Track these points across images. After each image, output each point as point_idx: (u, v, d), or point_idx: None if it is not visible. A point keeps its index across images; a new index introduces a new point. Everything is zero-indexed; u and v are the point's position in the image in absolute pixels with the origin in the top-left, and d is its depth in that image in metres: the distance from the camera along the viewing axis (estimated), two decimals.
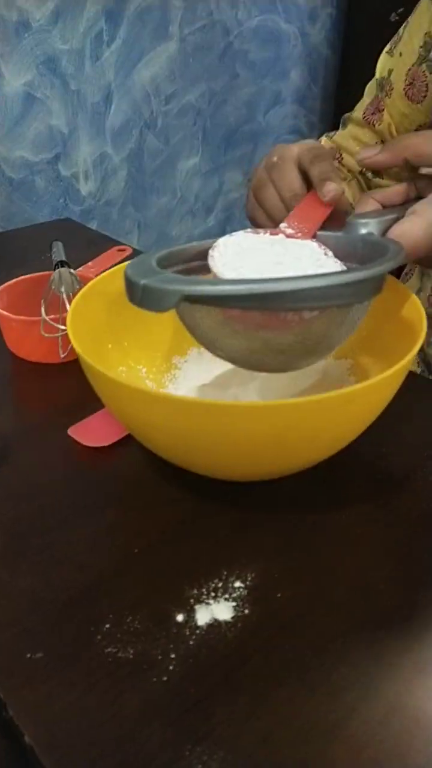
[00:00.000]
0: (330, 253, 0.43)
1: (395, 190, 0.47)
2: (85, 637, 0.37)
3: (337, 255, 0.44)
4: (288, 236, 0.46)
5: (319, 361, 0.43)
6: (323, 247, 0.44)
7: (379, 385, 0.38)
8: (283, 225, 0.46)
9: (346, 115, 0.74)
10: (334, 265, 0.42)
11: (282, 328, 0.37)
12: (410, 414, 0.55)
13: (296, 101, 1.64)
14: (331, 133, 0.76)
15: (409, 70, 0.66)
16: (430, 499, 0.46)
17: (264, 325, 0.38)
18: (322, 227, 0.47)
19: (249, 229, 0.47)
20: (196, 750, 0.32)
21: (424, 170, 0.49)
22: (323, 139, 0.76)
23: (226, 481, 0.47)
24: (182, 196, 1.54)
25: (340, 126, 0.75)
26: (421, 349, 0.73)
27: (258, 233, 0.46)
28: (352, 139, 0.72)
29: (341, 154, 0.73)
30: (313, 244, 0.44)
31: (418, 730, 0.33)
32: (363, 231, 0.42)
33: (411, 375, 0.64)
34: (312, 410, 0.37)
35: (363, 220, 0.43)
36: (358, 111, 0.73)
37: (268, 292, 0.35)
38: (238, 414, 0.37)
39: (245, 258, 0.42)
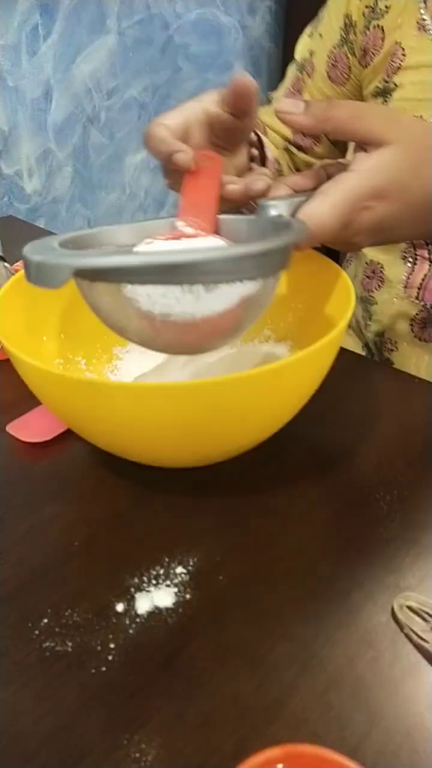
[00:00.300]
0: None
1: (306, 176, 0.47)
2: (22, 633, 0.36)
3: (250, 239, 0.43)
4: (190, 236, 0.44)
5: (232, 341, 0.42)
6: (229, 243, 0.43)
7: (307, 359, 0.38)
8: (180, 224, 0.45)
9: (270, 92, 0.75)
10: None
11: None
12: (351, 394, 0.56)
13: None
14: None
15: (331, 51, 0.67)
16: (366, 475, 0.47)
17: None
18: (226, 207, 0.46)
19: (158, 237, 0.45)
20: (134, 738, 0.31)
21: (342, 160, 0.49)
22: None
23: (167, 468, 0.46)
24: (132, 192, 1.52)
25: (266, 104, 0.75)
26: (362, 335, 0.74)
27: (161, 240, 0.44)
28: (276, 116, 0.72)
29: (265, 130, 0.72)
30: (219, 242, 0.43)
31: (358, 702, 0.33)
32: (273, 213, 0.42)
33: (354, 356, 0.65)
34: (240, 387, 0.37)
35: (273, 203, 0.42)
36: (281, 90, 0.73)
37: (164, 264, 0.34)
38: (163, 395, 0.37)
39: None
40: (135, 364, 0.57)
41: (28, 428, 0.52)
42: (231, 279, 0.36)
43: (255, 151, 0.59)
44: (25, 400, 0.53)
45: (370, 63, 0.64)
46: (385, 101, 0.62)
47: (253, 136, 0.60)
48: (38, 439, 0.51)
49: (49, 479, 0.48)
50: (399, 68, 0.60)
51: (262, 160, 0.63)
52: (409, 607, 0.36)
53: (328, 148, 0.72)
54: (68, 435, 0.50)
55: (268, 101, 0.75)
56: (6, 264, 0.64)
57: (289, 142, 0.73)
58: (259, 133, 0.62)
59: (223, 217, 0.47)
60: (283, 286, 0.55)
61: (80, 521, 0.43)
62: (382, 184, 0.42)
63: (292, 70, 0.72)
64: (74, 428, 0.45)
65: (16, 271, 0.65)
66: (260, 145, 0.61)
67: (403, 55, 0.60)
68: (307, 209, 0.41)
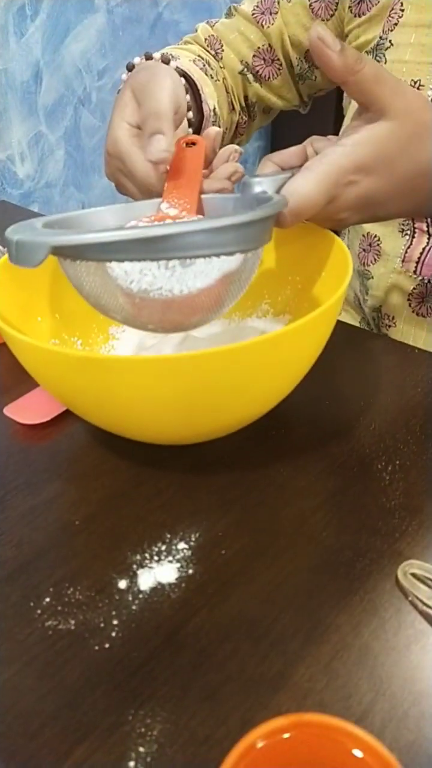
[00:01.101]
0: None
1: (292, 153, 0.46)
2: (24, 612, 0.36)
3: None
4: (174, 218, 0.44)
5: (212, 319, 0.41)
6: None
7: (304, 328, 0.37)
8: (164, 206, 0.44)
9: (233, 5, 0.68)
10: None
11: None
12: (350, 366, 0.55)
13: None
14: (212, 21, 0.70)
15: None
16: (366, 446, 0.46)
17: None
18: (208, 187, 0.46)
19: (143, 219, 0.45)
20: (139, 713, 0.31)
21: (331, 136, 0.47)
22: (202, 26, 0.69)
23: (166, 445, 0.46)
24: None
25: (224, 15, 0.69)
26: (361, 309, 0.73)
27: (146, 221, 0.44)
28: (238, 33, 0.67)
29: (222, 46, 0.67)
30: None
31: (364, 671, 0.32)
32: (257, 190, 0.41)
33: (353, 329, 0.65)
34: (237, 359, 0.36)
35: (257, 179, 0.42)
36: (248, 4, 0.66)
37: (139, 238, 0.34)
38: (160, 367, 0.36)
39: None
40: (131, 344, 0.56)
41: (26, 410, 0.51)
42: (207, 253, 0.36)
43: (188, 97, 0.56)
44: (22, 382, 0.52)
45: (366, 12, 0.59)
46: (377, 59, 0.59)
47: (183, 81, 0.56)
48: (36, 421, 0.50)
49: (49, 460, 0.47)
50: (396, 24, 0.57)
51: (200, 113, 0.59)
52: (413, 575, 0.36)
53: (285, 81, 0.68)
54: (66, 416, 0.50)
55: (229, 14, 0.68)
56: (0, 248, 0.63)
57: (247, 66, 0.68)
58: (197, 81, 0.59)
59: (209, 196, 0.46)
60: (280, 259, 0.54)
61: (81, 500, 0.43)
62: (367, 159, 0.41)
63: None
64: (72, 407, 0.45)
65: None
66: (197, 95, 0.57)
67: (402, 10, 0.57)
68: (290, 185, 0.40)
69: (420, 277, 0.63)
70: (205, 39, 0.68)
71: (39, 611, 0.36)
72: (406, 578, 0.36)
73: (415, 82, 0.57)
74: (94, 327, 0.55)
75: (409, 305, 0.65)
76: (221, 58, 0.68)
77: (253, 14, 0.66)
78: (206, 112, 0.60)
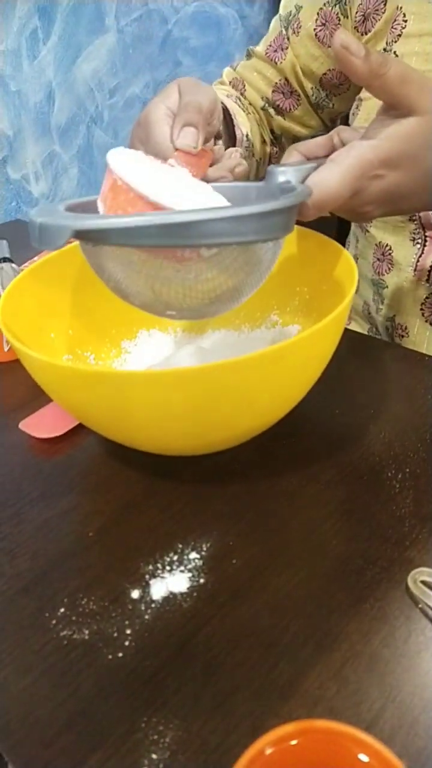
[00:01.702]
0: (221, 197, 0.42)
1: (318, 143, 0.46)
2: (40, 623, 0.37)
3: None
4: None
5: (231, 307, 0.41)
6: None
7: (311, 338, 0.38)
8: (171, 161, 0.45)
9: (251, 47, 0.72)
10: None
11: (183, 263, 0.37)
12: (361, 374, 0.55)
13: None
14: (234, 63, 0.74)
15: (321, 10, 0.64)
16: (376, 454, 0.46)
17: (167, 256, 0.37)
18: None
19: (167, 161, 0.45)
20: (152, 721, 0.32)
21: (357, 126, 0.48)
22: (226, 70, 0.74)
23: (178, 456, 0.47)
24: None
25: (245, 56, 0.73)
26: (371, 318, 0.73)
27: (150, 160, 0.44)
28: (256, 72, 0.70)
29: (244, 86, 0.71)
30: (221, 198, 0.43)
31: (374, 678, 0.32)
32: (281, 179, 0.41)
33: (363, 337, 0.65)
34: (246, 369, 0.37)
35: (281, 168, 0.42)
36: (262, 45, 0.70)
37: (162, 224, 0.34)
38: (170, 380, 0.37)
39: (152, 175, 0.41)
40: (143, 357, 0.57)
41: (41, 425, 0.52)
42: (230, 241, 0.35)
43: (219, 127, 0.58)
44: (36, 397, 0.54)
45: (371, 29, 0.60)
46: None
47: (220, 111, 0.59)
48: (50, 435, 0.51)
49: (63, 473, 0.48)
50: (400, 36, 0.58)
51: (232, 139, 0.61)
52: (424, 582, 0.36)
53: (306, 111, 0.71)
54: (80, 429, 0.51)
55: (248, 55, 0.72)
56: (13, 265, 0.65)
57: (268, 102, 0.71)
58: (230, 109, 0.61)
59: (232, 185, 0.47)
60: (288, 270, 0.55)
61: (94, 512, 0.44)
62: (393, 154, 0.41)
63: (275, 24, 0.70)
64: (84, 421, 0.46)
65: None
66: (229, 121, 0.60)
67: (405, 21, 0.57)
68: (315, 176, 0.40)
69: None
70: (230, 81, 0.73)
71: (54, 621, 0.37)
72: (417, 586, 0.36)
73: None
74: (106, 342, 0.57)
75: (422, 314, 0.65)
76: (246, 97, 0.71)
77: (266, 53, 0.69)
78: (239, 136, 0.62)
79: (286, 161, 0.45)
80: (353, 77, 0.40)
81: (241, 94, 0.71)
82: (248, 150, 0.65)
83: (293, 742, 0.25)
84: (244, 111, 0.67)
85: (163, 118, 0.48)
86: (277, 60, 0.68)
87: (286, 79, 0.69)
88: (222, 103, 0.61)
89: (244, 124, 0.64)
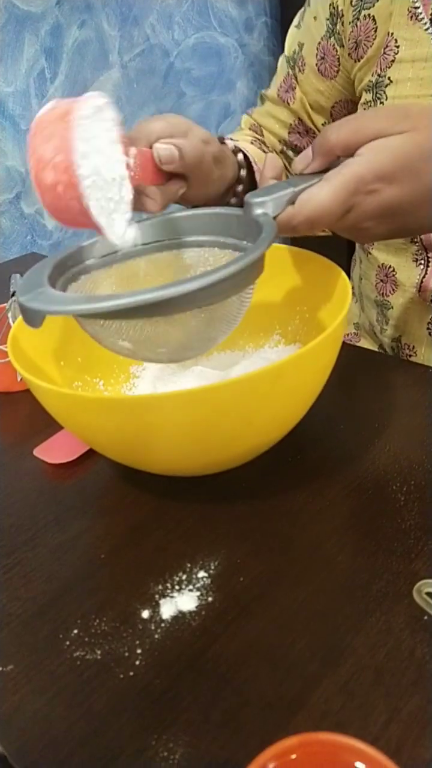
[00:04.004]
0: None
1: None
2: (54, 644, 0.38)
3: (237, 233, 0.46)
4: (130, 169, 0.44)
5: (207, 350, 0.44)
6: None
7: (305, 357, 0.39)
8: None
9: (263, 91, 0.74)
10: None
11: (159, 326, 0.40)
12: (365, 389, 0.56)
13: (246, 110, 1.67)
14: (251, 110, 0.76)
15: (319, 44, 0.65)
16: (381, 468, 0.47)
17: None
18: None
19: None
20: (162, 738, 0.32)
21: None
22: (244, 118, 0.76)
23: (185, 477, 0.48)
24: (147, 217, 1.56)
25: (258, 102, 0.75)
26: (377, 338, 0.73)
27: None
28: (270, 117, 0.72)
29: (262, 133, 0.73)
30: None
31: (380, 691, 0.33)
32: (258, 212, 0.43)
33: (368, 353, 0.65)
34: (243, 389, 0.38)
35: (258, 200, 0.43)
36: (273, 88, 0.72)
37: (129, 306, 0.36)
38: (170, 403, 0.38)
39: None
40: (152, 381, 0.58)
41: (54, 450, 0.54)
42: (196, 306, 0.38)
43: (243, 173, 0.60)
44: (49, 425, 0.55)
45: (363, 56, 0.61)
46: (377, 97, 0.61)
47: (241, 157, 0.61)
48: (63, 460, 0.53)
49: (76, 497, 0.49)
50: (393, 61, 0.58)
51: (253, 182, 0.63)
52: (429, 594, 0.36)
53: None
54: (91, 453, 0.52)
55: (261, 100, 0.74)
56: None
57: (286, 144, 0.73)
58: (251, 156, 0.63)
59: (215, 211, 0.48)
60: (288, 290, 0.56)
61: (106, 534, 0.45)
62: (387, 167, 0.41)
63: (282, 65, 0.71)
64: (93, 445, 0.47)
65: None
66: (248, 167, 0.61)
67: (397, 46, 0.58)
68: (306, 194, 0.41)
69: None
70: (249, 127, 0.75)
71: (68, 643, 0.38)
72: (422, 597, 0.36)
73: None
74: (114, 368, 0.58)
75: (429, 334, 0.65)
76: (264, 143, 0.73)
77: (278, 95, 0.71)
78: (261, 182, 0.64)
79: (263, 179, 0.46)
80: (324, 169, 0.43)
81: (261, 141, 0.73)
82: None
83: (293, 757, 0.26)
84: (265, 152, 0.69)
85: (165, 123, 0.50)
86: (288, 101, 0.70)
87: (300, 119, 0.71)
88: (244, 151, 0.62)
89: (262, 171, 0.66)
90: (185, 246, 0.50)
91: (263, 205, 0.42)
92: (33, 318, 0.38)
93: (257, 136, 0.74)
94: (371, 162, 0.41)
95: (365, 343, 0.76)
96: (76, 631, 0.38)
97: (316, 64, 0.66)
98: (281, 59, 0.71)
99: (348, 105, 0.68)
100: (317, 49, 0.65)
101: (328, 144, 0.42)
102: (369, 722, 0.31)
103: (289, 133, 0.72)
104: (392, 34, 0.58)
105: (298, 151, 0.73)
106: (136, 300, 0.35)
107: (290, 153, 0.73)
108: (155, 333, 0.40)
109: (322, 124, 0.70)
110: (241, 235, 0.46)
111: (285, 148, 0.73)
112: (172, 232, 0.50)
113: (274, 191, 0.42)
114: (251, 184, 0.63)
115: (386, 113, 0.42)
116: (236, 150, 0.62)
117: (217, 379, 0.54)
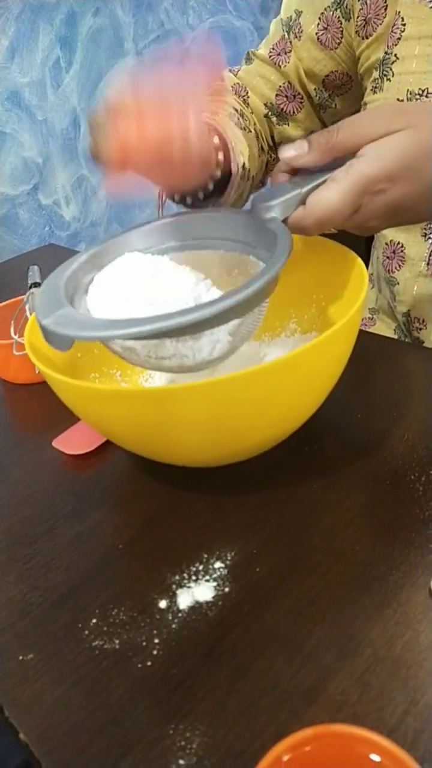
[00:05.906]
0: (208, 281, 0.44)
1: (297, 147, 0.46)
2: (73, 634, 0.38)
3: (246, 237, 0.46)
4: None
5: (224, 360, 0.45)
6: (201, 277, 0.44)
7: (320, 346, 0.38)
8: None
9: (251, 50, 0.72)
10: (208, 293, 0.43)
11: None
12: (383, 377, 0.55)
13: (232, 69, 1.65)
14: (235, 68, 0.73)
15: (323, 14, 0.64)
16: (399, 458, 0.46)
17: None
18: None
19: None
20: (179, 727, 0.32)
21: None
22: (225, 75, 0.72)
23: (201, 468, 0.48)
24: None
25: (244, 61, 0.73)
26: (395, 317, 0.73)
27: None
28: (259, 77, 0.70)
29: (247, 92, 0.71)
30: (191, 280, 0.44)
31: (397, 683, 0.33)
32: (267, 216, 0.43)
33: (384, 339, 0.65)
34: (259, 379, 0.38)
35: (266, 204, 0.43)
36: (264, 48, 0.70)
37: (147, 332, 0.36)
38: (186, 394, 0.38)
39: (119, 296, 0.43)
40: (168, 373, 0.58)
41: (72, 442, 0.54)
42: (213, 326, 0.38)
43: (220, 156, 0.58)
44: (67, 416, 0.55)
45: (372, 33, 0.61)
46: (384, 74, 0.61)
47: (216, 139, 0.59)
48: (81, 451, 0.53)
49: (94, 487, 0.50)
50: (399, 39, 0.59)
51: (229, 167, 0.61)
52: None
53: (308, 113, 0.71)
54: (108, 444, 0.53)
55: (248, 60, 0.72)
56: None
57: (272, 108, 0.71)
58: (230, 140, 0.61)
59: (222, 212, 0.48)
60: (304, 279, 0.55)
61: (123, 525, 0.45)
62: (393, 167, 0.42)
63: (276, 27, 0.70)
64: (109, 437, 0.48)
65: None
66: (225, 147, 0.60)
67: (403, 24, 0.58)
68: (316, 196, 0.42)
69: None
70: (232, 86, 0.73)
71: (86, 632, 0.38)
72: None
73: (423, 91, 0.58)
74: None
75: None
76: (248, 105, 0.72)
77: (270, 56, 0.69)
78: (234, 171, 0.62)
79: (275, 179, 0.46)
80: (315, 166, 0.43)
81: (244, 100, 0.71)
82: (243, 178, 0.65)
83: (307, 748, 0.26)
84: (245, 130, 0.66)
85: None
86: (281, 63, 0.69)
87: (289, 83, 0.70)
88: (220, 132, 0.61)
89: (242, 153, 0.64)
90: (192, 248, 0.49)
91: (271, 209, 0.42)
92: (61, 343, 0.38)
93: (238, 102, 0.70)
94: (376, 162, 0.42)
95: (381, 326, 0.75)
96: (94, 621, 0.39)
97: (317, 33, 0.65)
98: (275, 21, 0.70)
99: (343, 77, 0.67)
100: (320, 18, 0.65)
101: (329, 144, 0.43)
102: (385, 714, 0.31)
103: (276, 95, 0.71)
104: (399, 12, 0.58)
105: (283, 114, 0.71)
106: (168, 324, 0.36)
107: (274, 119, 0.71)
108: (184, 347, 0.41)
109: (314, 89, 0.69)
110: (250, 238, 0.46)
111: (269, 112, 0.71)
112: (179, 234, 0.49)
113: (281, 194, 0.43)
114: (227, 169, 0.61)
115: (381, 113, 0.43)
116: (213, 130, 0.58)
117: (233, 369, 0.54)
